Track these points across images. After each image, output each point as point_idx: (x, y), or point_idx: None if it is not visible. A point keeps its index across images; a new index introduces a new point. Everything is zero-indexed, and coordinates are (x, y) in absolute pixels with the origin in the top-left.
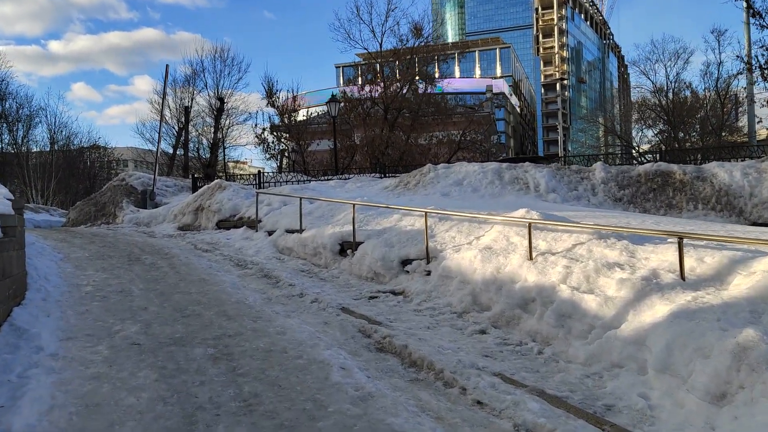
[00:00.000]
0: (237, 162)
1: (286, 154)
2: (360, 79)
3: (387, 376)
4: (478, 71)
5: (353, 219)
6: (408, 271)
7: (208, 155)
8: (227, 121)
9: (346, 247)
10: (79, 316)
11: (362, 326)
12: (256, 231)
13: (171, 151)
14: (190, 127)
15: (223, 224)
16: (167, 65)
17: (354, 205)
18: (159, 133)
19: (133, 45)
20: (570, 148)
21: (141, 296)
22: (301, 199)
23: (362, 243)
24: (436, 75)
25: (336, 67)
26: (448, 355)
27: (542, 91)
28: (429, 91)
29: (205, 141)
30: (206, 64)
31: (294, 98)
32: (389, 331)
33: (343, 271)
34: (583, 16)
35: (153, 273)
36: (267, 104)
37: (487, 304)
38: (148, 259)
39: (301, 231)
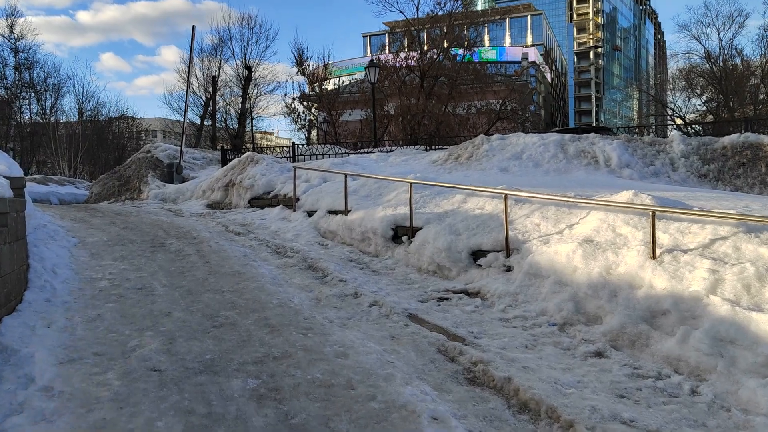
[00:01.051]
0: (265, 133)
1: (316, 124)
2: (388, 48)
3: (495, 429)
4: (508, 39)
5: (410, 200)
6: (481, 266)
7: (235, 126)
8: (255, 91)
9: (401, 232)
10: (88, 325)
11: (441, 344)
12: (294, 211)
13: (198, 121)
14: (217, 98)
15: (257, 202)
16: (193, 26)
17: (411, 183)
18: (186, 103)
19: (160, 15)
20: (603, 119)
21: (164, 296)
22: (346, 176)
23: (420, 229)
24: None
25: (363, 37)
26: (572, 397)
27: (575, 59)
28: (467, 58)
29: (232, 111)
30: (234, 32)
31: (325, 66)
32: (479, 354)
33: (399, 261)
34: None
35: (179, 263)
36: (297, 72)
37: (596, 313)
38: (174, 244)
39: (346, 212)
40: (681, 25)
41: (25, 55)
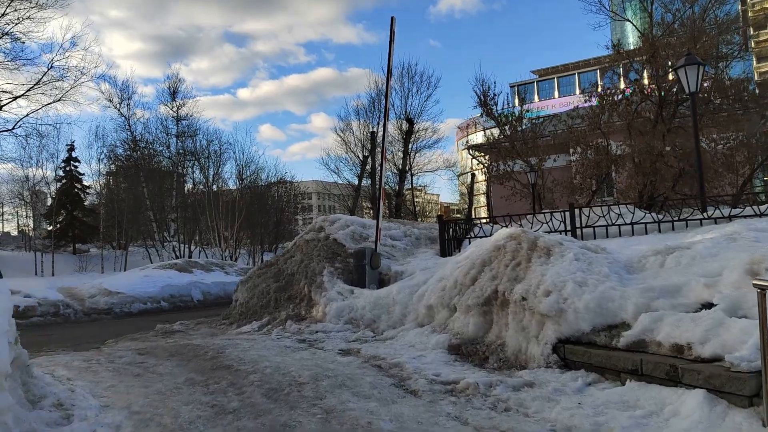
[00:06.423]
0: (421, 190)
1: (512, 175)
2: (537, 95)
3: None
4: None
5: None
6: None
7: (394, 185)
8: (414, 146)
9: None
10: None
11: None
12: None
13: (356, 181)
14: (375, 154)
15: (576, 353)
16: (392, 17)
17: None
18: (384, 127)
19: (310, 85)
20: None
21: None
22: None
23: None
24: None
25: (510, 87)
26: None
27: (756, 90)
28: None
29: (392, 168)
30: (392, 82)
31: (521, 101)
32: None
33: None
34: None
35: None
36: (482, 114)
37: None
38: None
39: None
40: None
41: (187, 122)
